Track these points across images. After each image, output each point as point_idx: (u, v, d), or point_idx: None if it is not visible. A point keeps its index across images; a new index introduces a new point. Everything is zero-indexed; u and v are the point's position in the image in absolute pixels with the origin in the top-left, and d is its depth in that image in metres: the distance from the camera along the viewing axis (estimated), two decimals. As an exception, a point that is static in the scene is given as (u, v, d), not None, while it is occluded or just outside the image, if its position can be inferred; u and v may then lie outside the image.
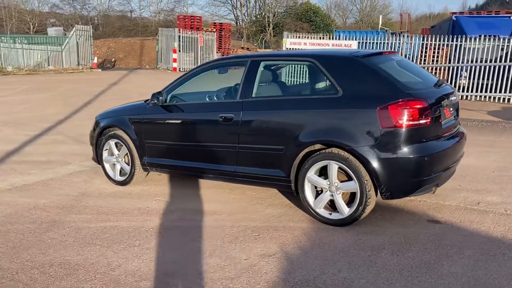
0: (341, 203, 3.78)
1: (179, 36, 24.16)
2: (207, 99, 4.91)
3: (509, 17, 19.52)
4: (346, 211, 3.76)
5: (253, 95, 4.22)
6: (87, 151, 7.06)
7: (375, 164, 3.55)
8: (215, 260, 3.31)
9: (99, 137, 5.40)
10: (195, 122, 4.57)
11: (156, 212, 4.38)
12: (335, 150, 3.74)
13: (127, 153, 5.15)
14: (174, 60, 24.25)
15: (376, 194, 3.72)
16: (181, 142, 4.66)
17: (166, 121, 4.75)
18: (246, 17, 41.89)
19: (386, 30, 19.11)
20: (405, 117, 3.50)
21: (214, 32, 26.38)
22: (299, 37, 19.50)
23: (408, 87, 3.70)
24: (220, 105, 4.51)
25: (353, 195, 3.80)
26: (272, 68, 4.62)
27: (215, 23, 29.16)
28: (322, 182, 3.86)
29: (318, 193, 3.97)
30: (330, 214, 3.88)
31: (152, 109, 4.86)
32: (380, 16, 24.13)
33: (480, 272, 3.01)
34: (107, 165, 5.39)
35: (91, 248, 3.58)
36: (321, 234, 3.72)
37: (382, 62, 3.97)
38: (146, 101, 5.20)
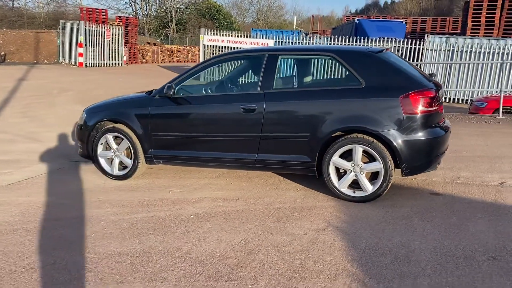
0: (365, 182, 4.28)
1: (85, 29, 22.92)
2: (214, 91, 5.07)
3: (402, 22, 21.95)
4: (370, 188, 4.27)
5: (274, 87, 4.53)
6: (49, 148, 6.74)
7: (399, 145, 4.11)
8: (279, 237, 3.60)
9: (91, 131, 5.25)
10: (213, 114, 4.73)
11: (181, 201, 4.48)
12: (359, 135, 4.23)
13: (128, 147, 5.10)
14: (80, 55, 23.01)
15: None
16: (197, 133, 4.78)
17: (180, 113, 4.82)
18: (147, 12, 40.85)
19: (300, 31, 20.26)
20: (422, 104, 4.12)
21: (121, 26, 25.46)
22: (216, 34, 19.82)
23: (419, 78, 4.32)
24: (238, 97, 4.71)
25: (373, 174, 4.32)
26: (285, 61, 4.96)
27: (120, 17, 28.10)
28: (346, 164, 4.32)
29: (341, 174, 4.42)
30: (354, 192, 4.36)
31: (161, 102, 4.89)
32: (295, 17, 25.40)
33: (498, 228, 3.73)
34: (102, 160, 5.27)
35: (147, 238, 3.63)
36: (352, 209, 4.18)
37: (389, 57, 4.54)
38: (148, 93, 5.21)
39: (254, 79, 4.84)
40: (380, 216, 4.01)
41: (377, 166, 4.21)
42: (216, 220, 3.98)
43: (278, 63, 4.60)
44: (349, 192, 4.37)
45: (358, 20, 21.13)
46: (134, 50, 27.00)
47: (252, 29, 19.84)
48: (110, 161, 5.28)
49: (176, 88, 4.87)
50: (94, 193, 4.78)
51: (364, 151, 4.26)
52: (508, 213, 4.06)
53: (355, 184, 4.39)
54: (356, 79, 4.29)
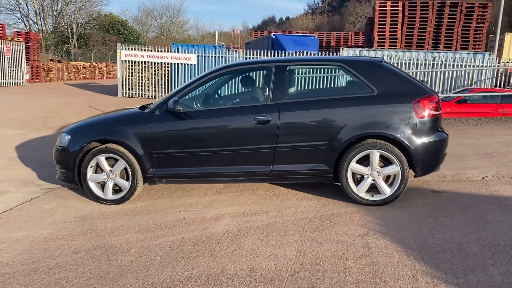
0: (383, 185, 4.45)
1: (-19, 46, 20.73)
2: (224, 104, 4.93)
3: (315, 36, 23.15)
4: (388, 191, 4.45)
5: (287, 97, 4.53)
6: (5, 176, 5.99)
7: (414, 148, 4.35)
8: (331, 246, 3.59)
9: (78, 154, 4.78)
10: (224, 127, 4.58)
11: (201, 221, 4.26)
12: (376, 140, 4.39)
13: (124, 168, 4.74)
14: (-24, 74, 20.69)
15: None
16: (207, 148, 4.59)
17: (188, 128, 4.60)
18: (43, 27, 37.89)
19: (223, 45, 20.35)
20: (431, 109, 4.41)
21: (21, 42, 23.45)
22: (134, 49, 19.18)
23: (423, 85, 4.62)
24: (249, 109, 4.60)
25: (387, 177, 4.51)
26: (294, 72, 4.97)
27: (18, 32, 25.84)
28: (364, 170, 4.46)
29: (358, 180, 4.54)
30: (372, 196, 4.51)
31: (164, 117, 4.63)
32: (216, 32, 25.38)
33: (513, 217, 4.11)
34: (92, 184, 4.82)
35: (197, 261, 3.41)
36: (376, 213, 4.32)
37: (390, 66, 4.79)
38: (141, 108, 4.91)
39: (262, 90, 4.80)
40: (406, 217, 4.19)
41: (395, 169, 4.40)
42: (254, 236, 3.85)
43: (287, 74, 4.62)
44: (368, 197, 4.51)
45: (274, 35, 21.81)
46: (37, 68, 24.96)
47: (173, 43, 19.48)
48: (101, 185, 4.85)
49: (181, 102, 4.64)
50: (96, 221, 4.35)
51: (382, 156, 4.43)
52: (510, 203, 4.48)
53: (371, 189, 4.53)
54: (368, 87, 4.46)
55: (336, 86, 4.96)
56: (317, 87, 10.12)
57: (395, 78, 4.57)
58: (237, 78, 5.35)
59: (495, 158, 6.42)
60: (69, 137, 4.88)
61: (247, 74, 5.28)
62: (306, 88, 4.81)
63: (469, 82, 16.64)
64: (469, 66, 15.92)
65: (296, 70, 5.01)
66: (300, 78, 4.69)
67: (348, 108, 4.43)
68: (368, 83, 4.47)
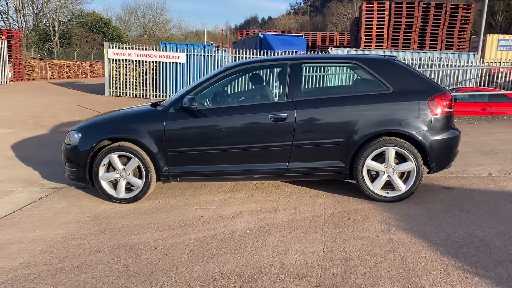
0: (398, 181, 4.50)
1: (-38, 43, 20.20)
2: (240, 102, 4.91)
3: (302, 36, 23.26)
4: (403, 188, 4.50)
5: (303, 95, 4.54)
6: (7, 176, 5.85)
7: (429, 145, 4.41)
8: (356, 242, 3.61)
9: (90, 152, 4.71)
10: (240, 125, 4.56)
11: (219, 219, 4.24)
12: (392, 137, 4.44)
13: (137, 166, 4.68)
14: (-43, 72, 20.14)
15: (420, 171, 4.58)
16: (222, 146, 4.56)
17: (204, 126, 4.57)
18: (24, 25, 37.05)
19: (211, 44, 20.29)
20: (445, 106, 4.48)
21: (3, 39, 22.93)
22: (121, 47, 18.94)
23: (436, 83, 4.69)
24: (265, 106, 4.60)
25: (402, 174, 4.56)
26: (309, 70, 4.98)
27: (0, 29, 25.23)
28: (379, 166, 4.50)
29: (373, 176, 4.59)
30: (388, 193, 4.55)
31: (179, 115, 4.59)
32: (205, 31, 25.23)
33: (528, 212, 4.21)
34: (104, 183, 4.75)
35: (225, 258, 3.39)
36: (393, 209, 4.36)
37: (404, 64, 4.84)
38: (153, 106, 4.87)
39: (278, 88, 4.79)
40: (423, 212, 4.25)
41: (410, 166, 4.45)
42: (277, 233, 3.85)
43: (303, 71, 4.63)
44: (383, 193, 4.55)
45: (262, 34, 21.83)
46: (19, 66, 24.43)
47: (161, 42, 19.31)
48: (113, 184, 4.78)
49: (197, 99, 4.60)
50: (112, 219, 4.29)
51: (395, 152, 4.47)
52: (522, 198, 4.60)
53: (386, 185, 4.58)
54: (384, 85, 4.51)
55: (351, 83, 4.97)
56: (330, 84, 10.30)
57: (409, 76, 4.63)
58: (251, 76, 5.35)
59: (496, 155, 6.56)
60: (79, 135, 4.80)
61: (262, 71, 5.27)
62: (320, 85, 4.85)
63: (455, 82, 16.95)
64: (455, 66, 16.20)
65: (311, 68, 5.02)
66: (313, 76, 4.73)
67: (364, 106, 4.47)
68: (384, 81, 4.51)
